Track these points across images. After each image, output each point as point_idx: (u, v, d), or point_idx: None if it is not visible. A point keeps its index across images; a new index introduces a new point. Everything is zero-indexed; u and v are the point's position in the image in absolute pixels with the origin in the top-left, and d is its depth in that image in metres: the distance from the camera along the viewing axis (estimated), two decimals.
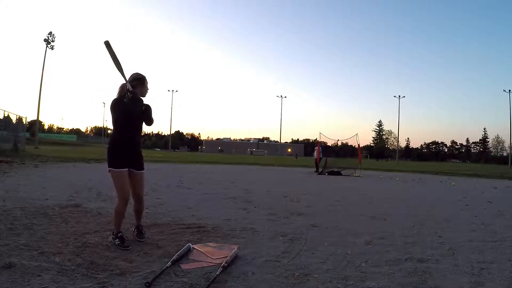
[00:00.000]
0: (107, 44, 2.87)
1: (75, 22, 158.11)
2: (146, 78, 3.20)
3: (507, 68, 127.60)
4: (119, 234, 3.08)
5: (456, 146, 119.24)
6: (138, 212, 3.36)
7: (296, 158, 51.97)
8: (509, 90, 48.23)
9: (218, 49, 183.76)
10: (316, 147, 17.64)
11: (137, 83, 3.11)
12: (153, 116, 3.25)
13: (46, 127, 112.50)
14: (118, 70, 2.95)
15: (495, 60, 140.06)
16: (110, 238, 3.14)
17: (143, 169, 3.27)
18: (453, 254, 3.30)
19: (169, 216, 4.53)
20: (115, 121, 3.06)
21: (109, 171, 3.09)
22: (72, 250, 2.82)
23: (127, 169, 3.12)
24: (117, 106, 3.03)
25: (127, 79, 3.05)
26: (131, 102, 2.95)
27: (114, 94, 3.14)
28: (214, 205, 5.66)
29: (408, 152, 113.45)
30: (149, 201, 5.44)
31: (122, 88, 3.09)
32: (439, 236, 4.02)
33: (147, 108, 3.17)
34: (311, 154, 22.51)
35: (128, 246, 2.99)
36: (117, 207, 3.11)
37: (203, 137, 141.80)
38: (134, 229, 3.38)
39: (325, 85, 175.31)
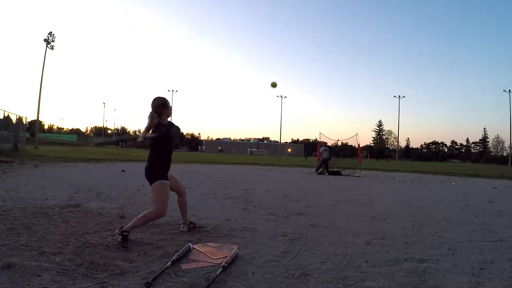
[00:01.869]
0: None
1: (75, 22, 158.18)
2: (167, 99, 3.45)
3: (507, 68, 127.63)
4: (125, 233, 3.09)
5: (456, 146, 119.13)
6: (184, 207, 3.78)
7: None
8: (509, 90, 48.21)
9: (218, 49, 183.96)
10: (324, 147, 17.25)
11: (161, 109, 3.36)
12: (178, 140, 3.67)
13: (46, 127, 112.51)
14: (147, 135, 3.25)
15: (495, 60, 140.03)
16: (117, 231, 3.13)
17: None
18: (453, 254, 3.30)
19: (169, 216, 4.51)
20: (161, 143, 3.33)
21: (158, 183, 3.27)
22: (72, 250, 2.82)
23: (169, 182, 3.40)
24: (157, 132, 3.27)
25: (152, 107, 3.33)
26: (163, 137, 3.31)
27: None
28: (214, 205, 5.66)
29: (408, 152, 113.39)
30: (149, 201, 5.43)
31: (151, 118, 3.32)
32: (439, 236, 4.02)
33: (178, 135, 3.58)
34: (311, 154, 22.41)
35: (128, 247, 2.99)
36: (153, 217, 3.31)
37: (203, 137, 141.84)
38: (190, 225, 3.80)
39: (325, 85, 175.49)
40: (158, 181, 3.28)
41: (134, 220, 3.21)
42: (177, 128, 3.53)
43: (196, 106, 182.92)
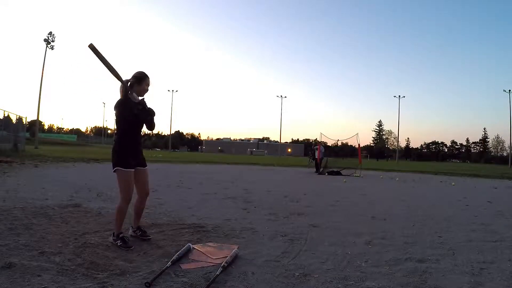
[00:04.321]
0: (91, 47, 2.80)
1: (75, 22, 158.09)
2: (147, 77, 3.13)
3: (507, 68, 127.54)
4: (120, 235, 3.06)
5: (456, 146, 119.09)
6: (140, 211, 3.37)
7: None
8: (509, 90, 48.16)
9: (218, 49, 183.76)
10: (317, 147, 17.62)
11: (134, 81, 3.06)
12: (155, 120, 3.23)
13: (46, 127, 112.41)
14: (110, 71, 2.94)
15: (495, 60, 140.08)
16: (111, 239, 3.12)
17: (146, 165, 3.32)
18: (453, 254, 3.30)
19: (169, 216, 4.53)
20: (119, 122, 3.06)
21: (115, 171, 3.06)
22: (72, 250, 2.82)
23: (133, 170, 3.12)
24: (122, 107, 3.00)
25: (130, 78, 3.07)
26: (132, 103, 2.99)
27: (116, 95, 3.13)
28: (214, 205, 5.66)
29: (408, 152, 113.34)
30: (149, 201, 5.40)
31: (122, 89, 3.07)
32: (439, 236, 4.02)
33: (150, 112, 3.13)
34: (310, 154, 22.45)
35: (131, 246, 2.99)
36: (121, 207, 3.07)
37: (203, 137, 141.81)
38: (136, 230, 3.36)
39: (325, 85, 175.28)
40: (117, 168, 3.02)
41: (115, 220, 3.12)
42: (151, 110, 3.10)
43: (196, 106, 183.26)
